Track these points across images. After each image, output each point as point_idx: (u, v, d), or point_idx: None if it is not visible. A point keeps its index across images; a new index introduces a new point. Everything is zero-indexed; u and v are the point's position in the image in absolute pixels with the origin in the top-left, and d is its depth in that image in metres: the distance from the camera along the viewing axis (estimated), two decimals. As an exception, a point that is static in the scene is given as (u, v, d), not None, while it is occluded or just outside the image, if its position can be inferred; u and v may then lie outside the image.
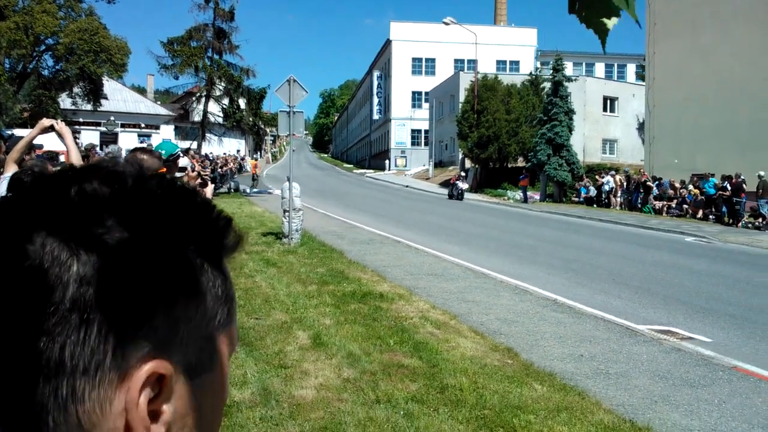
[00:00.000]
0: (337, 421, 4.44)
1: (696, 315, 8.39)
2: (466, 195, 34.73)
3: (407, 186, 41.33)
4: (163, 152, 5.20)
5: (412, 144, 63.17)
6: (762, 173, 21.28)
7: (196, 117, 36.46)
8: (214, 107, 35.30)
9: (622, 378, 5.72)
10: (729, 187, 21.81)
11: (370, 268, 10.77)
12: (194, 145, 34.18)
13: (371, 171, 61.74)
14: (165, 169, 4.54)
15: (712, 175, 23.41)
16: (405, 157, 61.47)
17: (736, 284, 10.78)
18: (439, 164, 49.74)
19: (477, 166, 38.14)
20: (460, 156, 41.89)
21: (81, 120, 38.07)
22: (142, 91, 61.20)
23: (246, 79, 34.08)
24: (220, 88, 34.14)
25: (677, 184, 24.99)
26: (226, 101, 34.25)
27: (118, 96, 46.04)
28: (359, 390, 5.07)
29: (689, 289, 10.23)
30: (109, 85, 39.91)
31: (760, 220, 20.76)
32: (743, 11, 26.63)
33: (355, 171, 65.65)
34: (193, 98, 36.66)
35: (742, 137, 26.15)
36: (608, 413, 4.79)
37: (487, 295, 9.10)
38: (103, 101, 36.25)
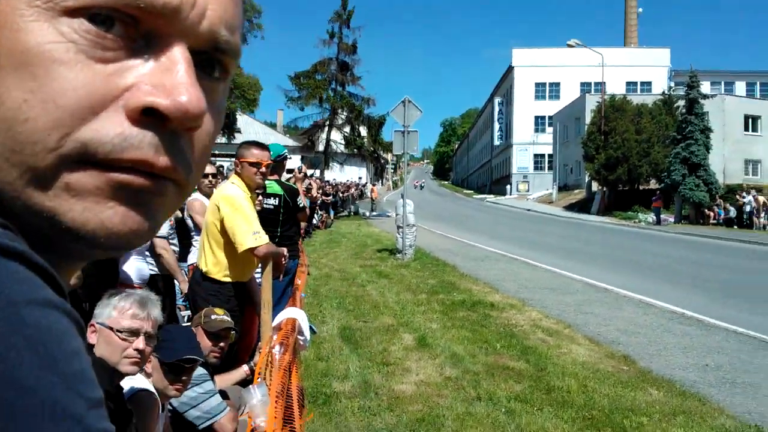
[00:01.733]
0: (435, 414, 4.34)
1: None
2: (594, 217, 33.28)
3: (529, 210, 40.32)
4: (271, 152, 5.43)
5: (535, 169, 61.79)
6: None
7: (321, 147, 37.88)
8: (336, 135, 36.59)
9: (751, 387, 5.16)
10: None
11: (482, 280, 10.57)
12: (317, 172, 35.53)
13: (491, 196, 60.98)
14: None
15: None
16: (527, 181, 60.20)
17: None
18: (563, 188, 48.22)
19: (604, 188, 36.52)
20: (587, 179, 40.36)
21: (217, 152, 40.84)
22: (272, 125, 64.75)
23: (366, 108, 35.10)
24: (342, 117, 35.38)
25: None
26: (347, 129, 35.41)
27: (250, 129, 48.94)
28: (460, 388, 4.95)
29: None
30: (242, 120, 42.60)
31: None
32: None
33: (474, 196, 65.15)
34: (318, 129, 38.21)
35: None
36: (731, 418, 4.34)
37: (608, 308, 8.60)
38: (236, 134, 38.69)
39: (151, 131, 0.41)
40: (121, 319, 2.19)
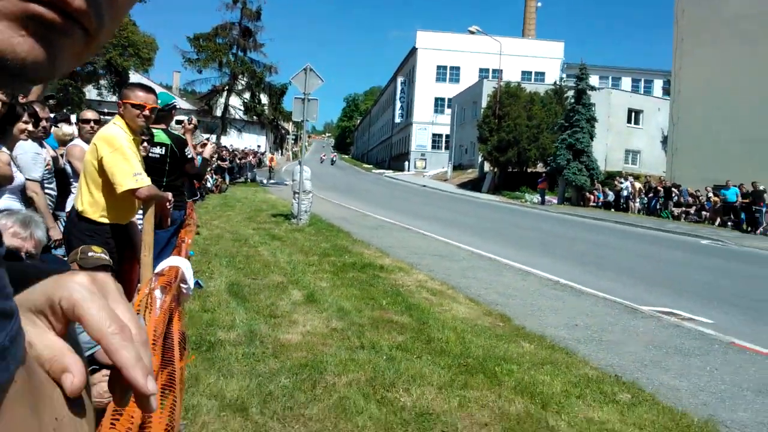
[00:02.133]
0: (318, 360, 4.43)
1: (700, 301, 8.22)
2: (484, 195, 34.57)
3: (424, 186, 41.21)
4: (159, 101, 5.25)
5: (433, 147, 63.13)
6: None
7: (218, 112, 36.77)
8: (235, 101, 35.64)
9: (615, 345, 5.63)
10: (751, 193, 21.47)
11: (374, 246, 10.75)
12: (213, 137, 34.52)
13: (390, 171, 61.75)
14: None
15: (734, 185, 23.02)
16: (425, 159, 61.44)
17: (745, 279, 10.59)
18: (458, 167, 49.62)
19: (495, 169, 37.98)
20: (480, 159, 41.73)
21: (106, 111, 38.68)
22: (167, 87, 62.00)
23: (268, 76, 34.46)
24: (243, 83, 34.51)
25: (697, 192, 24.66)
26: (247, 96, 34.61)
27: (143, 88, 46.70)
28: (345, 338, 5.06)
29: (697, 281, 10.05)
30: (135, 79, 40.47)
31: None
32: (768, 24, 26.25)
33: (374, 171, 65.71)
34: (216, 93, 37.05)
35: (762, 150, 25.74)
36: (594, 369, 4.72)
37: (490, 274, 9.03)
38: (128, 93, 36.86)
39: None
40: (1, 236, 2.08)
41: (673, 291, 8.92)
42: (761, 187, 21.36)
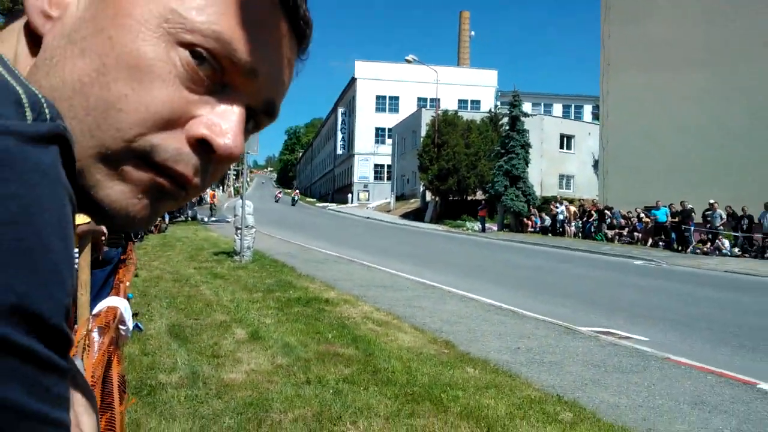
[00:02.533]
0: (263, 398, 4.38)
1: (636, 320, 8.53)
2: (427, 225, 34.97)
3: (368, 217, 41.40)
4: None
5: (375, 178, 63.61)
6: (712, 201, 21.98)
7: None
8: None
9: (556, 366, 5.78)
10: (680, 212, 22.45)
11: (319, 280, 10.73)
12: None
13: (334, 204, 61.77)
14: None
15: (664, 206, 24.02)
16: (367, 191, 61.79)
17: (678, 297, 11.03)
18: (401, 197, 50.12)
19: (437, 198, 38.53)
20: (421, 189, 42.29)
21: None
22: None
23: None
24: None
25: (629, 213, 25.63)
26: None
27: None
28: (291, 374, 5.02)
29: (632, 300, 10.42)
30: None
31: (708, 245, 21.34)
32: (695, 56, 27.81)
33: (317, 204, 65.59)
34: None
35: (691, 172, 27.05)
36: (536, 390, 4.83)
37: (434, 302, 9.13)
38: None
39: (197, 156, 0.50)
40: None
41: (610, 311, 9.22)
42: (689, 207, 22.37)
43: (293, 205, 57.51)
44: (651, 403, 4.82)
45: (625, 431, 4.08)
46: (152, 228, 20.92)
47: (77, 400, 0.51)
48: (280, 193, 68.80)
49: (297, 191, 69.31)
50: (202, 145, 0.50)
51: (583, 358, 6.07)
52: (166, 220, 25.29)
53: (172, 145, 0.48)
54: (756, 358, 6.54)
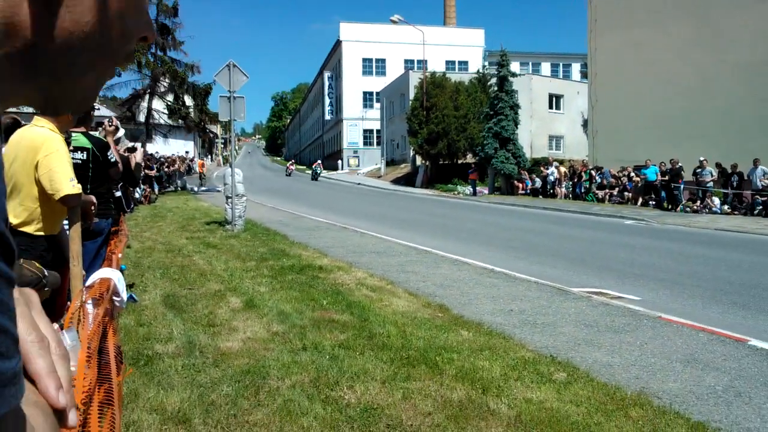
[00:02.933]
0: (260, 365, 4.41)
1: (627, 279, 8.62)
2: (418, 190, 34.98)
3: (359, 183, 41.33)
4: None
5: (365, 144, 63.27)
6: (702, 158, 22.03)
7: (142, 117, 35.65)
8: (159, 105, 34.62)
9: (549, 327, 5.84)
10: (670, 171, 22.53)
11: (312, 247, 10.74)
12: (138, 144, 33.48)
13: (324, 171, 61.53)
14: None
15: (653, 164, 24.08)
16: (357, 156, 61.52)
17: (668, 255, 11.13)
18: (391, 162, 49.93)
19: (427, 162, 38.43)
20: (412, 153, 42.14)
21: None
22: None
23: (191, 76, 33.57)
24: (165, 84, 33.50)
25: (618, 173, 25.71)
26: (170, 98, 33.65)
27: (60, 97, 44.67)
28: (287, 341, 5.05)
29: (623, 260, 10.51)
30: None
31: (698, 203, 21.50)
32: (676, 4, 27.60)
33: (307, 171, 65.32)
34: (138, 98, 35.85)
35: (679, 128, 27.06)
36: (530, 351, 4.90)
37: (427, 267, 9.17)
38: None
39: None
40: None
41: (601, 271, 9.31)
42: (679, 165, 22.44)
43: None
44: (644, 362, 4.89)
45: (619, 390, 4.14)
46: (141, 199, 20.81)
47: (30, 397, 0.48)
48: (292, 165, 60.46)
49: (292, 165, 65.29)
50: None
51: (575, 319, 6.13)
52: (156, 190, 25.15)
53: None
54: (747, 315, 6.63)
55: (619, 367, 4.73)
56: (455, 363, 4.50)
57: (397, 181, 41.89)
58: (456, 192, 33.00)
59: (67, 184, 3.40)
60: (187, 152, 47.72)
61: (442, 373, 4.32)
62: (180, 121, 34.27)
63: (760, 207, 19.70)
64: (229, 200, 13.27)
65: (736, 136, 24.72)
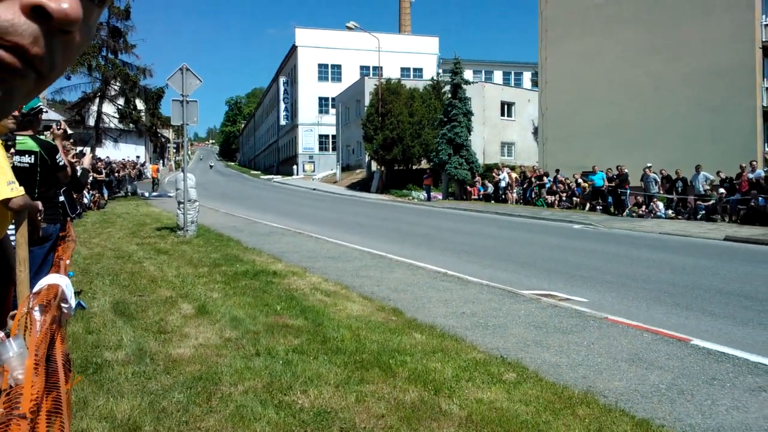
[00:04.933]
0: (213, 372, 4.38)
1: (576, 282, 8.86)
2: (373, 195, 35.07)
3: (314, 189, 41.19)
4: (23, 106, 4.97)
5: (320, 149, 63.09)
6: (648, 165, 22.73)
7: (91, 121, 34.78)
8: (109, 109, 33.85)
9: (500, 328, 5.96)
10: (617, 177, 23.19)
11: (266, 253, 10.68)
12: (87, 149, 32.63)
13: (279, 176, 61.10)
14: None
15: (600, 170, 24.74)
16: (313, 162, 61.29)
17: (614, 258, 11.47)
18: (346, 168, 49.95)
19: (382, 168, 38.59)
20: (367, 159, 42.25)
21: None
22: (31, 96, 57.81)
23: (143, 79, 32.97)
24: (116, 88, 32.79)
25: (567, 179, 26.31)
26: (121, 101, 32.94)
27: (3, 100, 43.20)
28: (240, 347, 5.03)
29: (572, 263, 10.79)
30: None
31: (643, 208, 22.18)
32: (629, 14, 28.49)
33: (262, 177, 64.78)
34: (88, 101, 34.95)
35: (628, 135, 27.90)
36: (481, 353, 4.99)
37: (381, 271, 9.23)
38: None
39: (35, 24, 0.49)
40: None
41: (550, 274, 9.53)
42: (625, 171, 23.11)
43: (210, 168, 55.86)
44: (590, 362, 5.04)
45: (566, 389, 4.26)
46: (90, 204, 20.29)
47: None
48: (212, 163, 65.38)
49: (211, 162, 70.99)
50: (37, 13, 0.50)
51: (525, 321, 6.28)
52: (105, 196, 24.56)
53: (5, 17, 0.49)
54: (690, 316, 6.89)
55: (566, 367, 4.87)
56: (408, 365, 4.56)
57: (352, 187, 41.91)
58: (411, 197, 33.24)
59: (3, 188, 3.33)
60: (138, 157, 46.76)
61: (395, 375, 4.37)
62: (131, 125, 33.59)
63: (703, 212, 20.45)
64: (181, 205, 13.07)
65: (685, 143, 25.64)
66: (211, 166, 67.95)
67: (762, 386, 4.45)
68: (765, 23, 26.43)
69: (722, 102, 25.28)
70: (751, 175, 19.51)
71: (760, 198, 18.71)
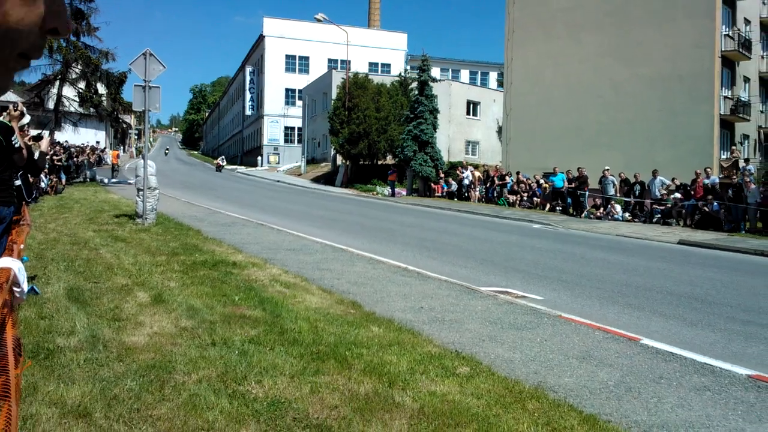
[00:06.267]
0: (166, 360, 4.36)
1: (532, 280, 9.02)
2: (337, 189, 35.04)
3: (279, 181, 40.91)
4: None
5: (286, 141, 62.67)
6: (607, 168, 23.19)
7: (51, 104, 33.82)
8: (70, 92, 32.96)
9: (456, 323, 6.05)
10: (577, 178, 23.61)
11: (227, 243, 10.60)
12: (46, 132, 31.75)
13: (243, 167, 60.48)
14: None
15: (561, 172, 25.17)
16: (278, 153, 60.86)
17: (571, 258, 11.71)
18: (312, 161, 49.72)
19: (348, 162, 38.54)
20: (332, 153, 42.12)
21: None
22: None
23: (105, 63, 32.12)
24: (77, 71, 31.93)
25: (528, 180, 26.70)
26: (82, 85, 32.10)
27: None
28: (195, 336, 5.00)
29: (529, 261, 10.98)
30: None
31: (601, 210, 22.65)
32: (593, 19, 28.99)
33: (226, 167, 64.03)
34: (48, 84, 33.96)
35: (588, 138, 28.44)
36: (437, 347, 5.06)
37: (342, 264, 9.26)
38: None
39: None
40: None
41: (508, 272, 9.69)
42: (585, 173, 23.55)
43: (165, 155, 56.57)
44: (542, 358, 5.16)
45: (518, 384, 4.35)
46: (48, 189, 19.81)
47: None
48: (222, 161, 57.77)
49: (167, 148, 69.45)
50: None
51: (481, 316, 6.38)
52: (63, 181, 23.98)
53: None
54: (641, 316, 7.09)
55: (519, 363, 4.97)
56: (364, 358, 4.60)
57: (317, 180, 41.75)
58: (375, 192, 33.30)
59: None
60: (98, 142, 45.74)
61: (351, 367, 4.41)
62: (92, 109, 32.76)
63: (659, 215, 20.99)
64: (141, 193, 12.87)
65: (644, 146, 26.27)
66: (166, 152, 66.39)
67: (707, 386, 4.61)
68: (725, 33, 27.22)
69: (681, 108, 25.98)
70: (706, 181, 20.09)
71: (714, 203, 19.29)
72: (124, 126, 40.55)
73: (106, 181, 30.50)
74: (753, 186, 18.69)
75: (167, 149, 69.45)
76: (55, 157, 24.12)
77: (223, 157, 65.20)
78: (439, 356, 4.77)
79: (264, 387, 3.94)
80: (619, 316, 7.04)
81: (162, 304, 5.96)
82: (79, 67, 31.74)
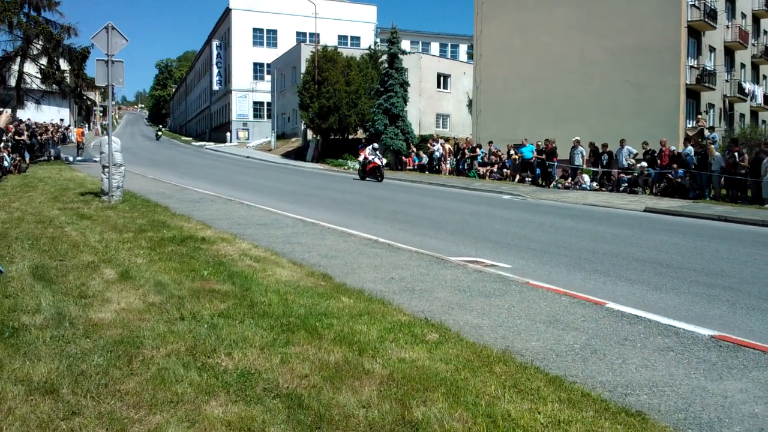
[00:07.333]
0: (134, 336, 4.33)
1: (501, 249, 9.12)
2: (308, 164, 34.81)
3: (248, 157, 40.50)
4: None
5: (255, 116, 61.92)
6: (576, 138, 23.39)
7: (12, 81, 32.85)
8: (31, 69, 32.03)
9: (426, 293, 6.11)
10: (545, 150, 23.81)
11: (195, 219, 10.50)
12: (8, 110, 30.87)
13: (211, 143, 59.68)
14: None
15: (530, 143, 25.34)
16: (247, 129, 60.14)
17: (539, 227, 11.86)
18: (282, 136, 49.25)
19: (318, 137, 38.25)
20: (302, 127, 41.76)
21: None
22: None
23: (67, 38, 31.21)
24: (38, 47, 31.00)
25: (499, 151, 26.85)
26: (44, 61, 31.22)
27: None
28: (164, 311, 4.97)
29: (498, 231, 11.09)
30: None
31: (569, 180, 22.91)
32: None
33: (194, 143, 63.13)
34: (9, 61, 32.93)
35: (557, 109, 28.62)
36: (406, 315, 5.11)
37: (313, 238, 9.24)
38: None
39: None
40: None
41: (478, 242, 9.78)
42: (554, 144, 23.75)
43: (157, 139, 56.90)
44: (510, 323, 5.24)
45: (485, 348, 4.42)
46: (11, 168, 19.34)
47: None
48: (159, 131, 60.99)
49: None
50: None
51: (451, 285, 6.45)
52: (27, 159, 23.43)
53: None
54: (607, 282, 7.22)
55: (487, 328, 5.04)
56: (334, 328, 4.63)
57: (287, 155, 41.43)
58: (346, 167, 33.16)
59: None
60: (62, 120, 44.66)
61: (321, 337, 4.43)
62: (54, 86, 31.91)
63: (626, 184, 21.31)
64: (106, 170, 12.65)
65: (611, 117, 26.54)
66: (158, 136, 63.41)
67: (670, 346, 4.73)
68: (691, 3, 27.46)
69: (647, 78, 26.26)
70: (681, 151, 20.42)
71: (680, 171, 19.64)
72: (89, 103, 39.68)
73: (71, 159, 29.85)
74: (717, 153, 19.06)
75: (159, 132, 66.03)
76: (17, 136, 23.54)
77: (161, 126, 64.06)
78: (409, 324, 4.82)
79: (234, 359, 3.94)
80: (586, 282, 7.17)
81: (129, 281, 5.90)
82: (40, 42, 30.83)
